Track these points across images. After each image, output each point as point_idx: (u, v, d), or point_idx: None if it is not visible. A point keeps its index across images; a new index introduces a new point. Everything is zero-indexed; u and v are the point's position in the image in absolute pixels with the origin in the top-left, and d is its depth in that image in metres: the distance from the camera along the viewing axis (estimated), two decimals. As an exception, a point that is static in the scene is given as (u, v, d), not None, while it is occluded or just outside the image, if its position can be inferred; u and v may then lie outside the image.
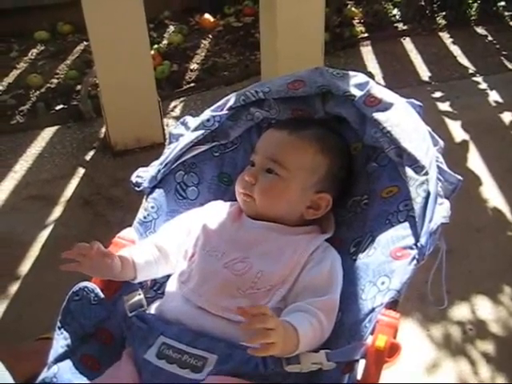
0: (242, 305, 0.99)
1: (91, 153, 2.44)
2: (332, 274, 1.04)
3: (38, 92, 2.88)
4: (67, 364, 1.01)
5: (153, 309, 1.08)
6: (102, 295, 1.07)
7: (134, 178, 1.23)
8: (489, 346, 1.58)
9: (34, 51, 3.32)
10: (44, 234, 1.99)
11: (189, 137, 1.24)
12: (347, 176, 1.18)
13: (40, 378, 0.99)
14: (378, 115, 1.12)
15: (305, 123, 1.20)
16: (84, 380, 1.00)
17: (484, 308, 1.69)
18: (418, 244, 0.99)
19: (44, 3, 3.33)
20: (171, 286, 1.10)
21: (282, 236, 1.09)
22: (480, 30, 3.41)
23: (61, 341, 1.04)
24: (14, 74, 3.10)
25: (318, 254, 1.06)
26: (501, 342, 1.59)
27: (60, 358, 1.02)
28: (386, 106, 1.13)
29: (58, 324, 1.05)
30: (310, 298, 1.00)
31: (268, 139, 1.18)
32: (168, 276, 1.14)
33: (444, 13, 3.49)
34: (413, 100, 1.19)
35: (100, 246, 1.02)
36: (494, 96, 2.75)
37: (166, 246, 1.12)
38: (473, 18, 3.48)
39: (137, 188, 1.22)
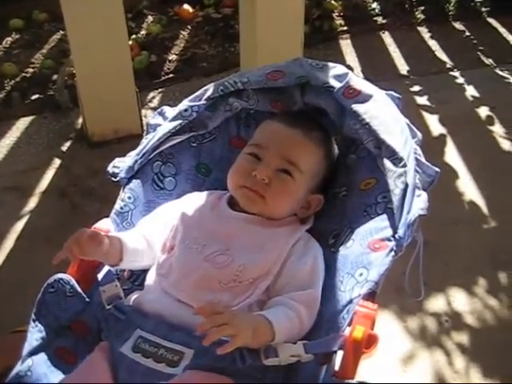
0: (224, 298, 0.99)
1: (68, 143, 2.41)
2: (315, 268, 1.04)
3: (12, 81, 2.82)
4: (42, 357, 1.00)
5: (131, 301, 1.06)
6: (77, 287, 1.05)
7: (110, 169, 1.21)
8: (464, 338, 1.61)
9: (9, 39, 3.25)
10: (20, 226, 1.96)
11: (166, 127, 1.22)
12: (332, 177, 1.19)
13: (14, 371, 0.97)
14: (356, 107, 1.12)
15: (311, 122, 1.19)
16: (59, 373, 0.98)
17: (460, 300, 1.71)
18: (396, 236, 0.99)
19: (19, -10, 3.27)
20: (150, 280, 1.09)
21: (263, 228, 1.09)
22: (458, 26, 3.43)
23: (35, 333, 1.02)
24: (-12, 62, 3.04)
25: (300, 246, 1.06)
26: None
27: (34, 351, 1.00)
28: (364, 98, 1.13)
29: (33, 316, 1.03)
30: (293, 291, 1.00)
31: (281, 136, 1.14)
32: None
33: (423, 7, 3.51)
34: (392, 92, 1.19)
35: (86, 232, 0.99)
36: (470, 91, 2.77)
37: (150, 238, 1.11)
38: (451, 13, 3.50)
39: (113, 178, 1.21)
